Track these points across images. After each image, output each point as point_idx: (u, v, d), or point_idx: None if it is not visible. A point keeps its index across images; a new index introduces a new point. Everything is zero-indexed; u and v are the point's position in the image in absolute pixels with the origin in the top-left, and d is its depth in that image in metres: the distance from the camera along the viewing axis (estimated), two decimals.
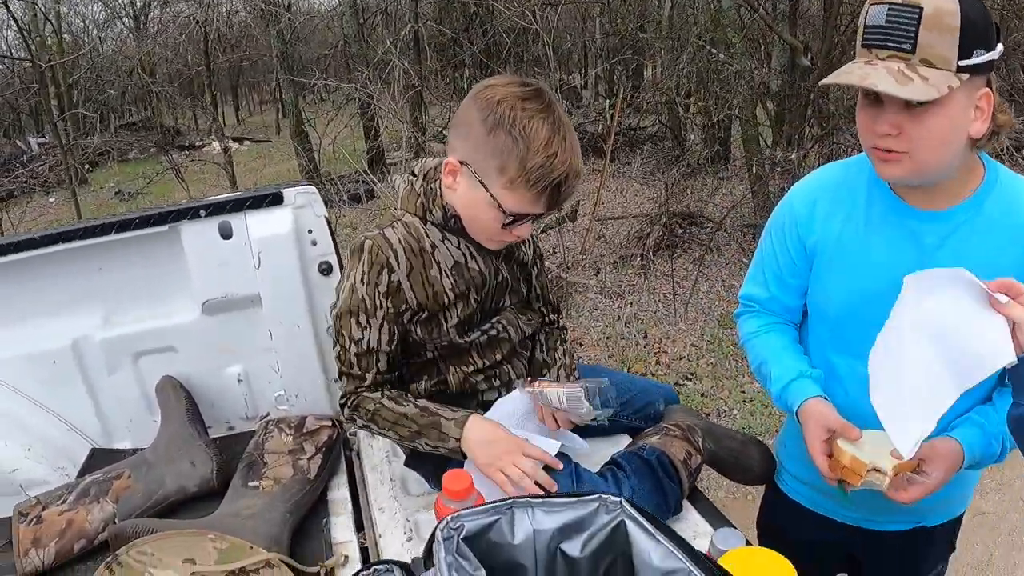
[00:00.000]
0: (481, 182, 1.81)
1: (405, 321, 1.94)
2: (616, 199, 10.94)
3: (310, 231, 2.59)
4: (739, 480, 2.35)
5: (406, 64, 10.25)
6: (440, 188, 1.93)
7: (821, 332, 2.03)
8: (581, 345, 6.75)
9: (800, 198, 2.01)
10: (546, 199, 1.83)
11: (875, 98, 1.63)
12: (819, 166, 2.09)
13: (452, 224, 1.94)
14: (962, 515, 2.16)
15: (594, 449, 2.21)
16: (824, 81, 1.71)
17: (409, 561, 1.53)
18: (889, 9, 1.59)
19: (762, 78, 9.26)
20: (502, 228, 1.88)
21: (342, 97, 12.14)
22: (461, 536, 0.94)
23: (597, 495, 0.99)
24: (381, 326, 1.91)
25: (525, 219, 1.88)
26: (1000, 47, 1.65)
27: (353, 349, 1.93)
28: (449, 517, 0.96)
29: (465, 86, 13.55)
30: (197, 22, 11.38)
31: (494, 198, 1.81)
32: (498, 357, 2.10)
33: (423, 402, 1.99)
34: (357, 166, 9.29)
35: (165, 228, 2.52)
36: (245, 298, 2.61)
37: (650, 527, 0.96)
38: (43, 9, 18.56)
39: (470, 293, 1.99)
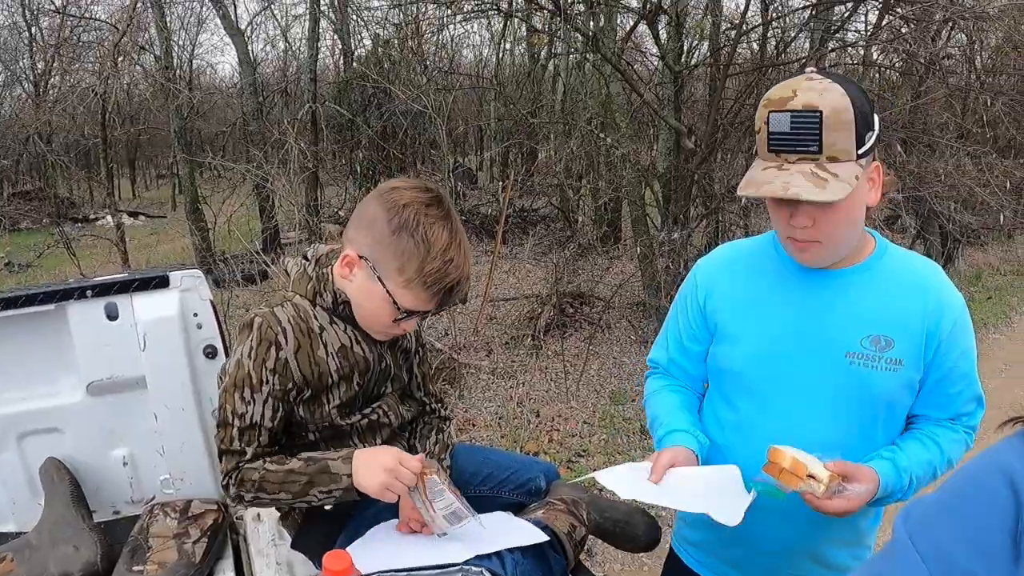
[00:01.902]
0: (379, 278, 1.88)
1: (291, 399, 1.98)
2: (509, 280, 11.13)
3: (195, 314, 2.63)
4: (627, 549, 2.39)
5: (302, 144, 10.30)
6: (331, 274, 1.99)
7: (726, 389, 2.11)
8: (474, 426, 6.78)
9: (704, 271, 2.14)
10: (438, 299, 1.91)
11: None
12: (705, 243, 2.22)
13: (341, 310, 2.00)
14: None
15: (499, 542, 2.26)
16: (744, 192, 1.80)
17: None
18: (792, 116, 1.71)
19: (649, 160, 9.56)
20: (392, 322, 1.95)
21: (238, 175, 12.10)
22: None
23: (459, 566, 1.06)
24: (266, 401, 1.93)
25: (415, 315, 1.96)
26: (877, 118, 1.80)
27: (236, 424, 1.94)
28: None
29: (358, 168, 13.66)
30: (96, 94, 11.25)
31: (390, 294, 1.88)
32: (378, 441, 2.13)
33: (305, 454, 1.99)
34: (250, 247, 9.28)
35: (52, 307, 2.52)
36: (130, 380, 2.61)
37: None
38: None
39: (354, 376, 2.04)
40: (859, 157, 1.72)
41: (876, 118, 1.79)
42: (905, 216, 10.14)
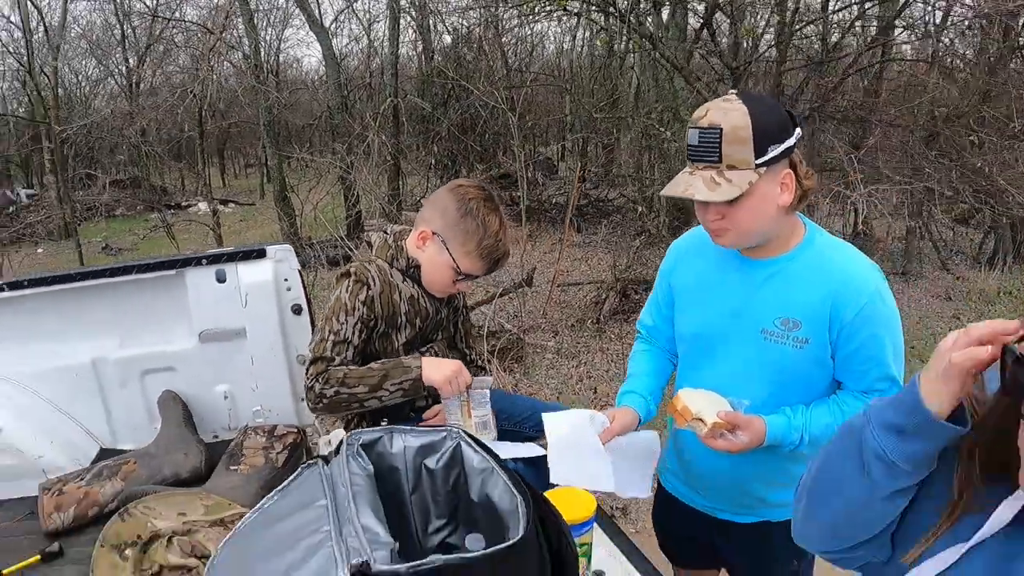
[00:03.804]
0: (447, 249, 2.56)
1: (370, 328, 2.57)
2: (580, 267, 11.48)
3: (286, 280, 3.28)
4: None
5: (384, 137, 10.79)
6: (405, 245, 2.65)
7: (682, 351, 2.52)
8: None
9: (673, 251, 2.56)
10: (488, 267, 2.62)
11: None
12: None
13: (412, 272, 2.65)
14: None
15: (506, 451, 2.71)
16: (662, 192, 2.18)
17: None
18: (700, 132, 2.05)
19: None
20: (452, 283, 2.63)
21: (324, 166, 12.69)
22: (359, 443, 1.57)
23: (445, 428, 1.62)
24: (355, 324, 2.52)
25: (468, 278, 2.63)
26: (798, 131, 2.11)
27: (331, 338, 2.51)
28: (350, 432, 1.59)
29: (433, 161, 13.99)
30: (194, 95, 11.95)
31: (454, 261, 2.56)
32: None
33: (379, 361, 2.59)
34: (335, 233, 9.87)
35: (173, 272, 3.22)
36: (233, 330, 3.28)
37: (474, 445, 1.58)
38: (38, 68, 18.97)
39: (416, 321, 2.67)
40: (759, 166, 2.02)
41: (796, 132, 2.10)
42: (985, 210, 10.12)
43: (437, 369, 2.51)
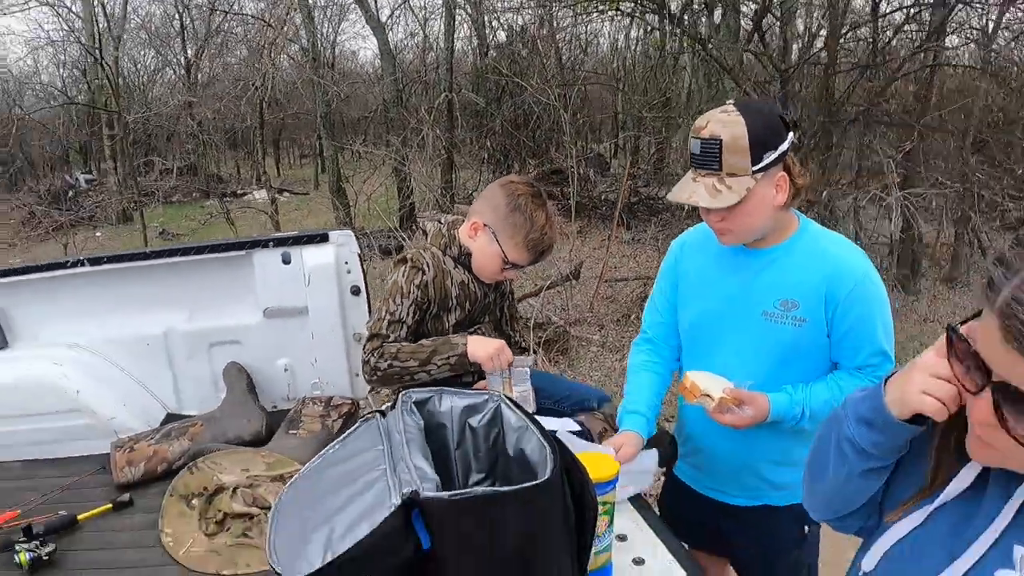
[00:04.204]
0: (497, 240, 2.77)
1: (423, 310, 2.80)
2: (629, 263, 11.62)
3: (346, 263, 3.55)
4: None
5: (438, 131, 10.98)
6: (457, 234, 2.87)
7: (684, 342, 2.67)
8: None
9: (676, 246, 2.69)
10: (533, 258, 2.81)
11: None
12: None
13: (463, 259, 2.86)
14: None
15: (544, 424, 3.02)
16: (668, 198, 2.39)
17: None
18: (701, 143, 2.21)
19: None
20: (500, 271, 2.83)
21: (379, 158, 12.95)
22: (412, 401, 1.79)
23: (488, 392, 1.83)
24: (410, 305, 2.75)
25: (515, 267, 2.84)
26: (791, 136, 2.26)
27: (387, 317, 2.74)
28: (404, 392, 1.80)
29: (486, 155, 14.12)
30: (255, 88, 12.24)
31: (503, 251, 2.77)
32: None
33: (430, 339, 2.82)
34: (389, 223, 10.10)
35: (243, 253, 3.50)
36: (296, 308, 3.54)
37: (512, 406, 1.78)
38: (101, 57, 19.32)
39: (466, 304, 2.89)
40: (756, 172, 2.19)
41: (789, 136, 2.25)
42: None
43: (481, 346, 2.72)
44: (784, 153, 2.25)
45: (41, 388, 3.39)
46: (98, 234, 17.25)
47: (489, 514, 1.41)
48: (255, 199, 18.93)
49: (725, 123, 2.19)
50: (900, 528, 1.35)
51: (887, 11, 9.32)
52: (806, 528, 2.60)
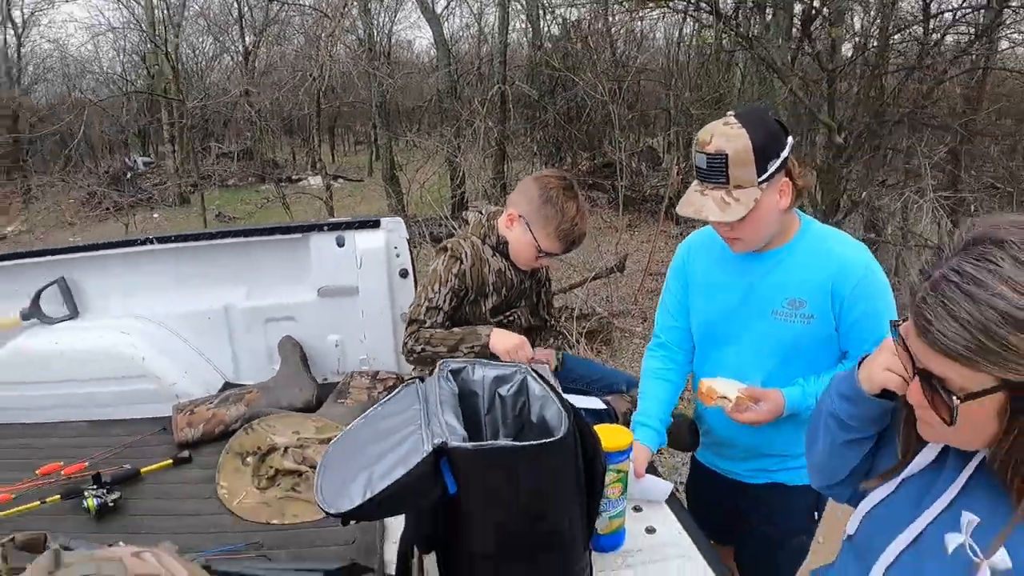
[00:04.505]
0: (531, 230, 2.97)
1: (460, 297, 3.02)
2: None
3: (395, 247, 3.77)
4: (675, 448, 3.09)
5: (491, 123, 11.12)
6: (497, 224, 3.08)
7: (699, 343, 2.74)
8: None
9: (684, 249, 2.75)
10: (565, 247, 3.01)
11: None
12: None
13: (501, 248, 3.07)
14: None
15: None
16: (678, 210, 2.38)
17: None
18: (707, 158, 2.26)
19: (804, 152, 9.95)
20: (535, 259, 3.04)
21: (432, 147, 13.13)
22: (448, 369, 2.01)
23: (517, 364, 2.04)
24: (447, 293, 2.98)
25: (549, 256, 3.04)
26: (790, 141, 2.31)
27: (426, 304, 2.98)
28: (442, 361, 2.02)
29: (537, 148, 14.21)
30: (313, 78, 12.50)
31: (536, 241, 2.97)
32: None
33: (460, 327, 3.04)
34: (441, 212, 10.29)
35: (300, 236, 3.76)
36: (348, 288, 3.77)
37: (536, 377, 1.98)
38: (165, 45, 19.71)
39: (503, 290, 3.10)
40: (761, 182, 2.25)
41: (788, 141, 2.31)
42: None
43: (503, 339, 2.93)
44: (786, 159, 2.32)
45: (110, 355, 3.66)
46: (156, 215, 17.88)
47: (508, 465, 1.63)
48: (309, 184, 19.20)
49: (729, 137, 2.24)
50: (875, 496, 1.55)
51: (937, 11, 9.26)
52: (816, 515, 2.71)
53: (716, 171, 2.28)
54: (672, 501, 2.52)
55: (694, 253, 2.71)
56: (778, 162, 2.28)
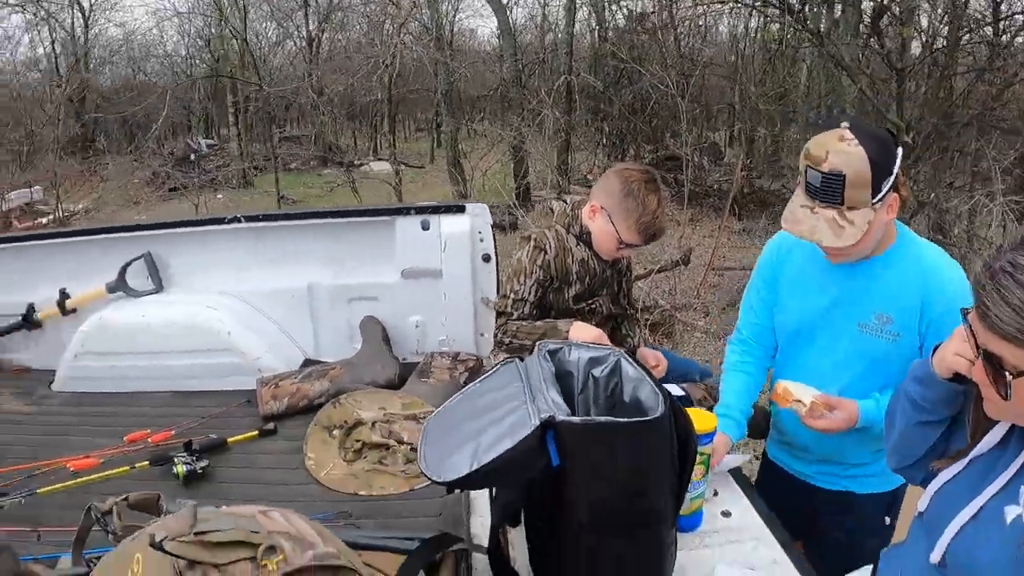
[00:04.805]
0: (612, 222, 3.01)
1: (545, 286, 3.08)
2: (736, 254, 11.69)
3: (479, 232, 3.83)
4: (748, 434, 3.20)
5: (557, 113, 11.15)
6: (581, 215, 3.12)
7: (782, 344, 2.71)
8: None
9: (775, 245, 2.70)
10: (645, 239, 3.04)
11: None
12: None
13: (584, 237, 3.12)
14: (894, 495, 2.67)
15: None
16: (784, 227, 2.32)
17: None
18: (822, 177, 2.17)
19: None
20: (616, 249, 3.07)
21: (496, 135, 13.18)
22: (547, 349, 2.07)
23: (611, 347, 2.10)
24: (532, 284, 3.05)
25: (630, 247, 3.08)
26: (900, 151, 2.23)
27: (512, 296, 3.05)
28: (539, 344, 2.09)
29: (604, 140, 14.19)
30: (386, 64, 12.61)
31: (617, 232, 3.01)
32: (593, 323, 3.21)
33: (543, 320, 3.10)
34: (509, 199, 10.33)
35: (386, 218, 3.84)
36: (431, 270, 3.84)
37: (631, 361, 2.03)
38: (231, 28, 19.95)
39: (585, 278, 3.14)
40: (875, 203, 2.17)
41: (899, 153, 2.22)
42: None
43: (582, 333, 2.96)
44: (897, 174, 2.23)
45: (197, 328, 3.78)
46: (219, 196, 18.08)
47: (611, 440, 1.69)
48: (371, 170, 19.34)
49: (847, 156, 2.16)
50: (944, 475, 1.66)
51: (1008, 13, 9.16)
52: (888, 520, 2.70)
53: (831, 192, 2.20)
54: (747, 488, 2.58)
55: (784, 251, 2.66)
56: (891, 180, 2.21)
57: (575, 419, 1.67)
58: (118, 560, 1.35)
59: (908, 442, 1.81)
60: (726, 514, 2.44)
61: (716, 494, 2.52)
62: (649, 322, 7.96)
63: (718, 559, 2.21)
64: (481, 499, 2.52)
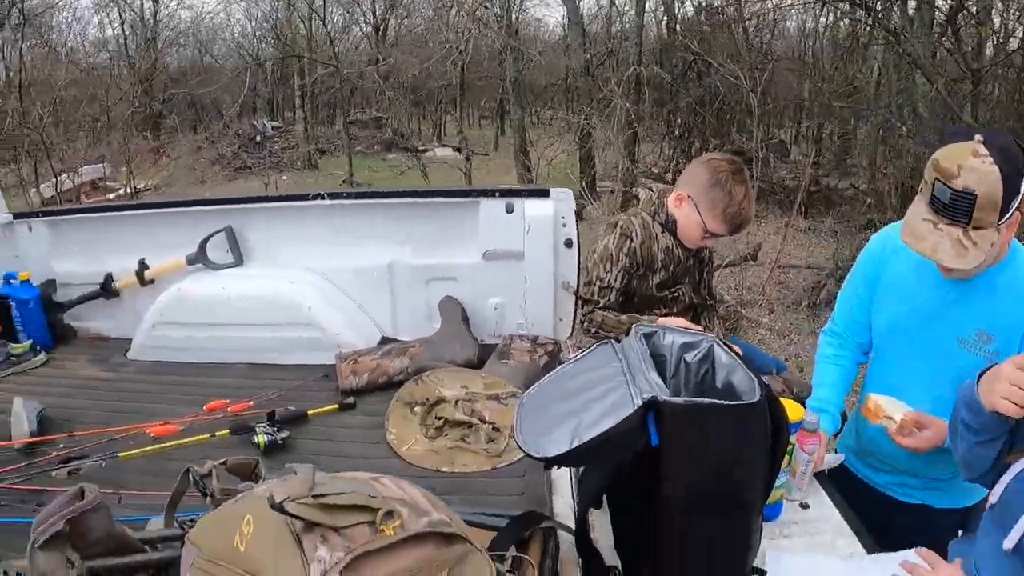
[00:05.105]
0: (698, 211, 3.04)
1: (630, 273, 3.12)
2: (802, 252, 11.62)
3: (563, 217, 3.82)
4: None
5: (627, 104, 11.15)
6: (666, 203, 3.15)
7: (877, 348, 2.70)
8: None
9: (880, 242, 2.63)
10: (730, 229, 3.07)
11: None
12: None
13: (669, 226, 3.15)
14: (970, 511, 2.62)
15: None
16: (904, 239, 2.20)
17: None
18: (952, 193, 2.05)
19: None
20: (700, 239, 3.11)
21: (563, 124, 13.19)
22: (642, 332, 2.08)
23: (703, 333, 2.12)
24: (618, 272, 3.09)
25: (715, 236, 3.11)
26: None
27: (598, 284, 3.10)
28: (636, 326, 2.11)
29: (668, 131, 14.15)
30: (459, 51, 12.69)
31: (703, 222, 3.04)
32: (675, 311, 3.26)
33: (627, 314, 3.13)
34: (576, 187, 10.35)
35: (470, 200, 3.86)
36: (513, 253, 3.84)
37: (724, 347, 2.05)
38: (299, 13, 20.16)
39: (670, 266, 3.18)
40: (1000, 223, 2.07)
41: None
42: None
43: (668, 324, 2.99)
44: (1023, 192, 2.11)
45: (278, 303, 3.84)
46: (284, 178, 18.17)
47: (710, 422, 1.70)
48: (435, 155, 19.49)
49: (981, 175, 2.04)
50: (1016, 467, 1.74)
51: None
52: (960, 533, 2.60)
53: (959, 211, 2.09)
54: (825, 482, 2.58)
55: (891, 251, 2.58)
56: (1019, 200, 2.10)
57: (678, 400, 1.69)
58: (223, 521, 1.38)
59: (972, 459, 1.90)
60: (804, 506, 2.46)
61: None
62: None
63: (799, 550, 2.24)
64: (562, 479, 2.55)
